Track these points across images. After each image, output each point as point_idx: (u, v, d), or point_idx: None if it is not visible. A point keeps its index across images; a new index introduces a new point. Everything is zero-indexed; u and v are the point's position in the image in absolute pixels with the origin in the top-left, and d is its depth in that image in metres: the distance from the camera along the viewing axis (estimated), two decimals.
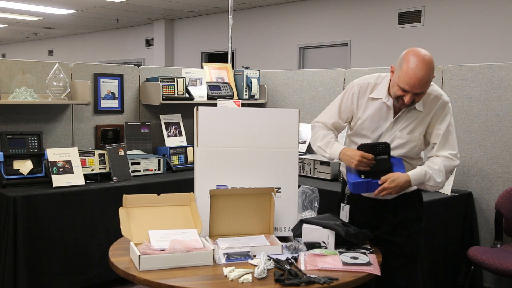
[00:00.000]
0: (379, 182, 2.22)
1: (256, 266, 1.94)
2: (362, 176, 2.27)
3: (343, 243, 2.20)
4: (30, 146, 3.40)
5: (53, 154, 3.32)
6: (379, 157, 2.27)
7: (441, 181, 2.27)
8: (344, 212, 2.47)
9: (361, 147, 2.28)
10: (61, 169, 3.30)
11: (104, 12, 10.90)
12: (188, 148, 4.16)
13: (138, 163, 3.80)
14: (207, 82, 4.49)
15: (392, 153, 2.31)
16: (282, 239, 2.29)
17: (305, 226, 2.24)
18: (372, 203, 2.40)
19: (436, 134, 2.30)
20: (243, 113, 2.45)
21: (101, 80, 4.02)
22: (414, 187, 2.36)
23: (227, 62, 5.07)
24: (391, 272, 2.33)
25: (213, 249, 2.05)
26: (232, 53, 5.34)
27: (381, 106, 2.33)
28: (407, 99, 2.18)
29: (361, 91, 2.38)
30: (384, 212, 2.40)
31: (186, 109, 4.36)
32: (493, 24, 6.92)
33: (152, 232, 2.15)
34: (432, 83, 2.25)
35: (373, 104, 2.35)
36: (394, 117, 2.32)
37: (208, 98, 4.41)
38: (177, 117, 4.36)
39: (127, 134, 4.10)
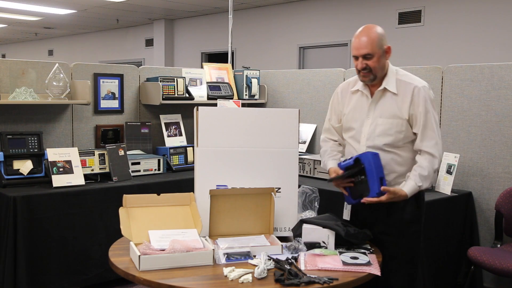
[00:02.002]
0: (382, 189, 2.25)
1: (256, 266, 1.94)
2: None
3: (343, 243, 2.20)
4: (30, 146, 3.40)
5: (53, 154, 3.32)
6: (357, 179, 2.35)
7: (430, 183, 2.36)
8: (347, 210, 2.49)
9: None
10: (61, 169, 3.30)
11: (104, 12, 10.90)
12: (188, 148, 4.16)
13: (138, 163, 3.80)
14: (207, 82, 4.49)
15: (378, 142, 2.34)
16: (282, 239, 2.29)
17: (305, 226, 2.24)
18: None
19: (415, 123, 2.32)
20: (243, 113, 2.45)
21: (101, 80, 4.02)
22: None
23: (227, 62, 5.07)
24: (387, 274, 2.26)
25: (213, 249, 2.05)
26: (232, 53, 5.34)
27: (360, 97, 2.43)
28: (359, 65, 2.31)
29: (343, 90, 2.53)
30: (379, 211, 2.37)
31: (186, 109, 4.36)
32: (493, 24, 6.92)
33: (152, 232, 2.15)
34: (407, 73, 2.36)
35: (353, 97, 2.46)
36: (372, 103, 2.38)
37: (208, 98, 4.41)
38: (177, 117, 4.36)
39: (127, 134, 4.10)
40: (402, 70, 2.43)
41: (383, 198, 2.24)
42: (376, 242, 2.34)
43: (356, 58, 2.33)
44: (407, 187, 2.29)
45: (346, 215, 2.48)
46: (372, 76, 2.33)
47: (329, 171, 2.47)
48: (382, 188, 2.24)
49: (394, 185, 2.33)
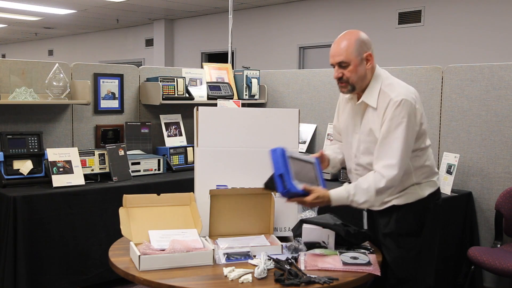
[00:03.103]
0: (302, 188, 2.04)
1: (256, 266, 1.94)
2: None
3: (343, 243, 2.20)
4: (30, 146, 3.40)
5: (53, 154, 3.32)
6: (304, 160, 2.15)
7: (364, 201, 2.07)
8: (364, 219, 2.45)
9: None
10: (61, 169, 3.30)
11: (104, 12, 10.90)
12: (188, 148, 4.16)
13: (138, 163, 3.80)
14: (207, 82, 4.49)
15: (362, 160, 2.19)
16: (282, 239, 2.29)
17: (305, 226, 2.24)
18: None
19: (379, 138, 2.10)
20: (243, 113, 2.46)
21: (101, 80, 4.02)
22: (404, 201, 2.18)
23: (227, 62, 5.07)
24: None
25: (213, 249, 2.05)
26: (232, 53, 5.34)
27: (353, 106, 2.25)
28: (335, 73, 2.15)
29: (344, 97, 2.35)
30: (377, 220, 2.26)
31: (186, 109, 4.36)
32: (493, 24, 6.92)
33: (152, 232, 2.15)
34: (394, 82, 2.14)
35: (347, 106, 2.30)
36: (357, 116, 2.21)
37: (208, 98, 4.41)
38: (177, 117, 4.36)
39: (127, 134, 4.10)
40: (391, 78, 2.19)
41: (308, 198, 2.04)
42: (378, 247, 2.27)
43: (333, 66, 2.16)
44: (335, 191, 2.08)
45: (365, 222, 2.44)
46: (350, 87, 2.14)
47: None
48: (304, 187, 2.04)
49: (389, 200, 2.17)
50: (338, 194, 2.08)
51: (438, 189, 2.28)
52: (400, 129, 2.05)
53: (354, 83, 2.14)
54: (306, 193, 2.05)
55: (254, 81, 4.64)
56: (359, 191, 2.07)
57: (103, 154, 3.55)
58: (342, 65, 2.12)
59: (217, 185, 2.34)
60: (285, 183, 2.00)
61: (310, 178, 2.14)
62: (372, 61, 2.15)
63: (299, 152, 2.59)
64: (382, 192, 2.08)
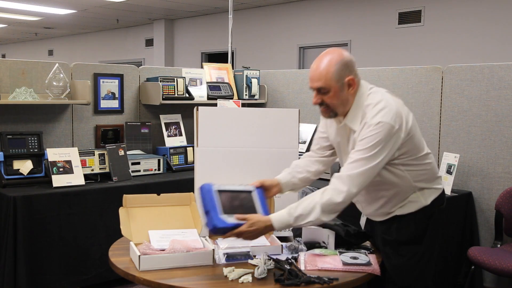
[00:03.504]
0: (235, 218, 1.92)
1: (256, 266, 1.94)
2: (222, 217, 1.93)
3: (343, 243, 2.20)
4: (30, 146, 3.40)
5: (53, 154, 3.32)
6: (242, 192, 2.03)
7: (310, 220, 1.93)
8: (361, 222, 2.40)
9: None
10: (61, 169, 3.30)
11: (104, 12, 10.90)
12: (188, 148, 4.16)
13: (138, 163, 3.80)
14: (207, 82, 4.49)
15: None
16: (282, 239, 2.29)
17: None
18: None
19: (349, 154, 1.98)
20: (243, 113, 2.46)
21: (101, 80, 4.02)
22: (407, 210, 2.09)
23: (227, 62, 5.07)
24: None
25: (213, 249, 2.05)
26: (232, 53, 5.34)
27: (338, 124, 2.13)
28: (313, 99, 2.01)
29: None
30: (376, 226, 2.19)
31: (186, 109, 4.36)
32: (493, 24, 6.92)
33: (152, 232, 2.15)
34: (375, 101, 1.97)
35: (334, 123, 2.16)
36: (344, 137, 2.10)
37: (208, 98, 4.41)
38: (177, 117, 4.36)
39: (127, 134, 4.10)
40: (372, 95, 2.01)
41: (242, 228, 1.89)
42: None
43: (311, 89, 2.01)
44: (277, 213, 1.94)
45: (362, 222, 2.40)
46: (332, 113, 2.02)
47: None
48: (236, 217, 1.91)
49: (391, 211, 2.09)
50: (280, 216, 1.94)
51: (443, 192, 2.20)
52: (369, 154, 1.91)
53: (336, 110, 2.02)
54: (239, 224, 1.91)
55: (254, 81, 4.64)
56: (306, 210, 1.92)
57: (103, 154, 3.55)
58: (321, 91, 1.98)
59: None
60: (212, 220, 1.89)
61: (248, 208, 2.01)
62: (355, 86, 1.99)
63: (300, 152, 2.57)
64: (334, 212, 1.96)
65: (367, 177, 1.94)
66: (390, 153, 1.95)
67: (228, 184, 2.04)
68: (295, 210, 1.93)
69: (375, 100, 1.98)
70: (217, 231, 1.88)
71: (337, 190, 1.93)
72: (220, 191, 1.98)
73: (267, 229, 1.94)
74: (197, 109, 2.35)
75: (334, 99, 1.98)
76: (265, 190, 2.16)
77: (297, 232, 2.27)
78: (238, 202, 1.99)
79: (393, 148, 1.95)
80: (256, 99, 4.69)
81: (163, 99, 4.07)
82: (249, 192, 2.06)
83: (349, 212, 2.36)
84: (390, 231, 2.12)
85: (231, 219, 1.91)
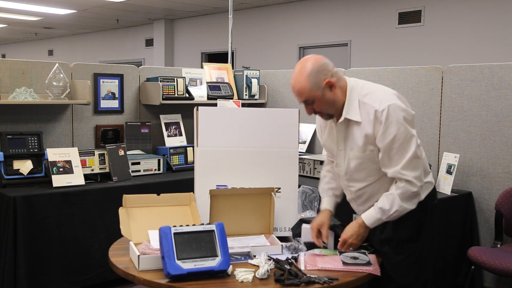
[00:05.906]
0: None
1: (256, 266, 1.94)
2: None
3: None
4: (30, 146, 3.40)
5: (53, 154, 3.32)
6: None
7: (396, 210, 2.04)
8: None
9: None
10: (61, 169, 3.30)
11: (104, 12, 10.90)
12: (188, 148, 4.16)
13: (138, 163, 3.80)
14: (207, 82, 4.50)
15: (355, 177, 2.15)
16: (282, 239, 2.29)
17: (304, 226, 2.24)
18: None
19: (380, 149, 2.03)
20: (243, 113, 2.46)
21: (101, 80, 4.02)
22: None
23: (227, 62, 5.07)
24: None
25: None
26: (232, 53, 5.34)
27: (330, 125, 2.20)
28: (306, 111, 2.09)
29: None
30: (373, 228, 2.16)
31: (186, 109, 4.36)
32: (493, 24, 6.92)
33: (152, 232, 2.15)
34: (371, 90, 2.07)
35: (327, 123, 2.23)
36: (339, 135, 2.15)
37: (208, 98, 4.41)
38: (177, 117, 4.36)
39: (127, 134, 4.10)
40: (366, 86, 2.10)
41: (345, 236, 2.11)
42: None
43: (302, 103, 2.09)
44: (365, 213, 2.09)
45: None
46: (327, 116, 2.11)
47: (319, 215, 2.26)
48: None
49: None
50: (369, 215, 2.09)
51: (434, 188, 2.22)
52: (402, 133, 1.98)
53: (328, 112, 2.09)
54: (196, 270, 1.86)
55: (254, 81, 4.64)
56: (389, 204, 2.04)
57: (103, 154, 3.55)
58: (308, 102, 2.05)
59: (217, 185, 2.34)
60: (166, 266, 1.84)
61: (209, 249, 1.92)
62: (335, 85, 2.04)
63: (300, 152, 2.56)
64: (414, 199, 2.06)
65: (416, 156, 2.02)
66: (413, 123, 2.04)
67: (188, 226, 1.97)
68: (383, 206, 2.05)
69: (371, 89, 2.09)
70: (171, 277, 1.83)
71: (409, 184, 2.01)
72: (178, 234, 1.93)
73: (362, 229, 2.10)
74: (197, 109, 2.35)
75: (322, 104, 2.05)
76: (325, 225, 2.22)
77: (297, 231, 2.27)
78: (196, 244, 1.93)
79: (413, 120, 2.04)
80: (256, 99, 4.69)
81: (163, 99, 4.07)
82: (210, 231, 1.99)
83: (349, 212, 2.38)
84: (387, 230, 2.14)
85: (187, 265, 1.86)
